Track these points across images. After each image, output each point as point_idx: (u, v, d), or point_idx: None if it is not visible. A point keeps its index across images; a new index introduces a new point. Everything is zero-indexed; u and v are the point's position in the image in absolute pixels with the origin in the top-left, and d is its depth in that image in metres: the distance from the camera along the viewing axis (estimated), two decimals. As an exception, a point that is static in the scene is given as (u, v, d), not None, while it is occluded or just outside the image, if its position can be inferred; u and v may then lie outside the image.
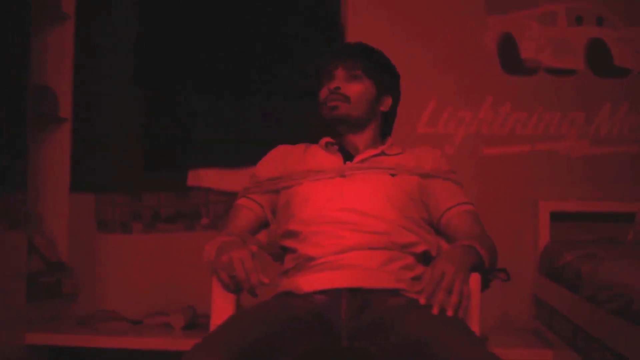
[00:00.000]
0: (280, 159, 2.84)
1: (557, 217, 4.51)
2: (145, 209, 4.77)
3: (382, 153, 2.77)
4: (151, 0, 4.76)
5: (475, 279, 2.44)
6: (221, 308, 2.49)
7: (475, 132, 4.66)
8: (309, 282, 2.50)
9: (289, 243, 2.66)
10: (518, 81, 4.67)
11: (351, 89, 2.75)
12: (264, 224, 2.82)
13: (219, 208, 4.66)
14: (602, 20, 4.66)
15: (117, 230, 4.78)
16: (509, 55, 4.68)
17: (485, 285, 2.48)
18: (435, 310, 2.22)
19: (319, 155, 2.79)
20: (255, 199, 2.81)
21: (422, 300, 2.27)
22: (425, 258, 2.65)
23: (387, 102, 2.84)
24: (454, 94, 4.66)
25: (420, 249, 2.62)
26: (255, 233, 2.80)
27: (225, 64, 4.65)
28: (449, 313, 2.23)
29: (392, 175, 2.70)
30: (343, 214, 2.58)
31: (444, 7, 4.70)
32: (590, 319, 3.37)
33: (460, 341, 2.13)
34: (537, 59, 4.67)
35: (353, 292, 2.44)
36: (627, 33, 4.65)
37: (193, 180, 4.68)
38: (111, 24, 4.80)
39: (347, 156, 2.76)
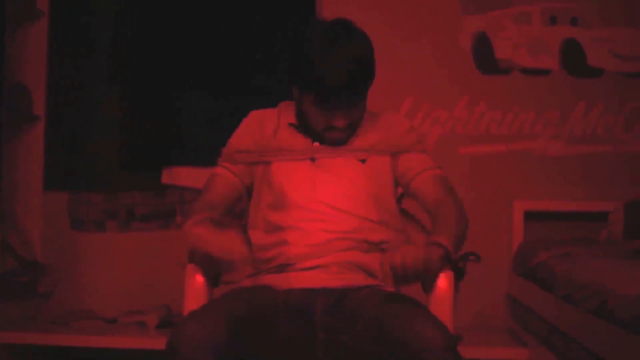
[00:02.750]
0: (255, 128, 2.80)
1: (531, 217, 4.53)
2: (120, 207, 4.75)
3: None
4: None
5: (447, 277, 2.45)
6: (194, 305, 2.48)
7: (450, 131, 4.67)
8: (285, 280, 2.52)
9: (254, 236, 2.67)
10: (493, 81, 4.68)
11: (354, 115, 2.66)
12: (240, 193, 2.78)
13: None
14: (576, 20, 4.68)
15: (91, 229, 4.76)
16: (484, 55, 4.70)
17: (459, 275, 2.49)
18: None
19: (290, 132, 2.76)
20: (230, 168, 2.77)
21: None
22: None
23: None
24: (429, 93, 4.67)
25: (389, 246, 2.63)
26: (232, 203, 2.77)
27: (202, 62, 4.63)
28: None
29: (362, 161, 2.69)
30: (315, 210, 2.59)
31: (419, 5, 4.70)
32: (565, 318, 3.38)
33: (410, 313, 2.26)
34: (512, 59, 4.69)
35: (328, 290, 2.48)
36: (602, 33, 4.67)
37: (167, 178, 4.67)
38: (87, 20, 4.77)
39: (315, 137, 2.73)
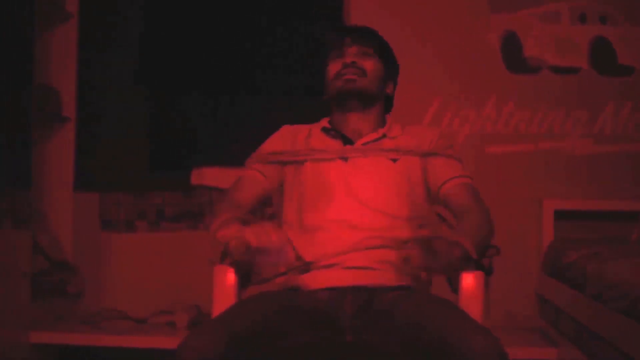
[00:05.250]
0: (287, 137, 2.83)
1: (561, 216, 4.51)
2: (150, 207, 4.78)
3: (384, 136, 2.77)
4: (155, -1, 4.79)
5: (476, 277, 2.44)
6: (222, 305, 2.48)
7: (478, 130, 4.66)
8: (314, 280, 2.52)
9: (289, 234, 2.66)
10: (522, 80, 4.67)
11: (366, 64, 2.75)
12: (268, 195, 2.79)
13: (223, 207, 4.66)
14: (605, 18, 4.66)
15: (121, 230, 4.79)
16: (513, 54, 4.68)
17: (487, 272, 2.48)
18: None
19: (321, 137, 2.80)
20: (259, 169, 2.78)
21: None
22: None
23: (391, 86, 2.86)
24: (457, 92, 4.66)
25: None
26: (259, 203, 2.78)
27: (230, 63, 4.66)
28: None
29: (394, 160, 2.70)
30: (347, 208, 2.60)
31: (447, 5, 4.70)
32: (595, 318, 3.37)
33: (453, 319, 2.21)
34: (541, 58, 4.67)
35: (357, 289, 2.47)
36: (631, 31, 4.65)
37: (197, 179, 4.69)
38: (115, 22, 4.80)
39: (347, 140, 2.76)
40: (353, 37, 2.78)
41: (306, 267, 2.55)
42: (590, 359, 3.42)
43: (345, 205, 2.61)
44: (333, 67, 2.77)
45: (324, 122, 2.84)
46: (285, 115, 4.44)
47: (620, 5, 4.67)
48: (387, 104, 2.88)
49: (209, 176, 4.69)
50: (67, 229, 4.69)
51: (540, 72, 4.68)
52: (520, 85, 4.67)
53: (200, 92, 4.69)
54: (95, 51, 4.78)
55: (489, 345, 2.09)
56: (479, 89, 4.67)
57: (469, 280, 2.44)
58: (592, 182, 4.59)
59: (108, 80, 4.78)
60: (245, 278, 2.59)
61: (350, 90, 2.73)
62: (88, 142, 4.76)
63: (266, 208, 2.85)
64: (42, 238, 4.47)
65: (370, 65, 2.76)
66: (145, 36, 4.75)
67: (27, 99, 4.18)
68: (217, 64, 4.66)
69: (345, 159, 2.70)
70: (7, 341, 4.04)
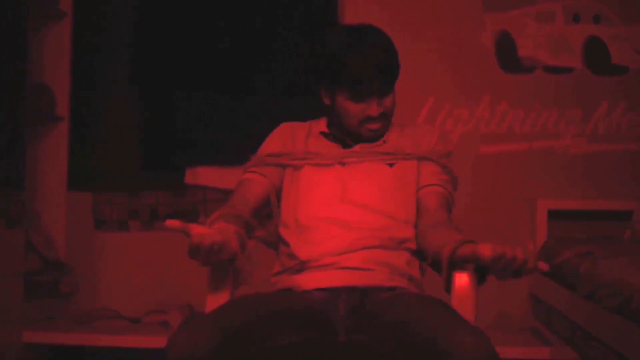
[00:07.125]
0: (287, 136, 2.81)
1: (554, 215, 4.52)
2: (143, 207, 4.77)
3: (383, 141, 2.75)
4: (148, -3, 4.78)
5: (469, 276, 2.43)
6: (215, 304, 2.47)
7: (472, 130, 4.66)
8: (308, 280, 2.50)
9: (285, 234, 2.66)
10: (515, 79, 4.67)
11: (387, 104, 2.66)
12: (269, 193, 2.74)
13: (217, 206, 4.64)
14: (599, 18, 4.67)
15: (114, 229, 4.78)
16: (507, 53, 4.68)
17: (482, 278, 2.47)
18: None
19: (320, 140, 2.78)
20: (258, 171, 2.75)
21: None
22: (420, 253, 2.65)
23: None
24: (451, 91, 4.66)
25: (416, 245, 2.62)
26: (261, 202, 2.74)
27: (223, 61, 4.65)
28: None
29: (390, 165, 2.70)
30: (343, 209, 2.59)
31: (441, 4, 4.70)
32: (588, 317, 3.37)
33: (443, 319, 2.20)
34: (535, 57, 4.68)
35: (351, 289, 2.45)
36: (625, 31, 4.66)
37: (190, 178, 4.68)
38: (109, 21, 4.79)
39: (345, 144, 2.75)
40: (375, 78, 2.61)
41: (301, 266, 2.55)
42: (583, 358, 3.42)
43: (340, 206, 2.60)
44: (355, 114, 2.65)
45: (323, 125, 2.80)
46: (281, 114, 4.47)
47: (614, 5, 4.68)
48: None
49: (203, 176, 4.69)
50: (60, 228, 4.68)
51: (534, 71, 4.68)
52: (514, 85, 4.67)
53: (194, 90, 4.69)
54: (88, 50, 4.77)
55: (479, 345, 2.08)
56: (472, 88, 4.67)
57: (462, 280, 2.44)
58: (586, 182, 4.60)
59: (102, 79, 4.77)
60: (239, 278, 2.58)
61: (376, 137, 2.71)
62: (81, 141, 4.75)
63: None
64: (35, 237, 4.46)
65: (390, 102, 2.67)
66: (138, 35, 4.74)
67: (20, 98, 4.17)
68: (211, 63, 4.66)
69: (343, 163, 2.69)
70: (0, 340, 4.04)
